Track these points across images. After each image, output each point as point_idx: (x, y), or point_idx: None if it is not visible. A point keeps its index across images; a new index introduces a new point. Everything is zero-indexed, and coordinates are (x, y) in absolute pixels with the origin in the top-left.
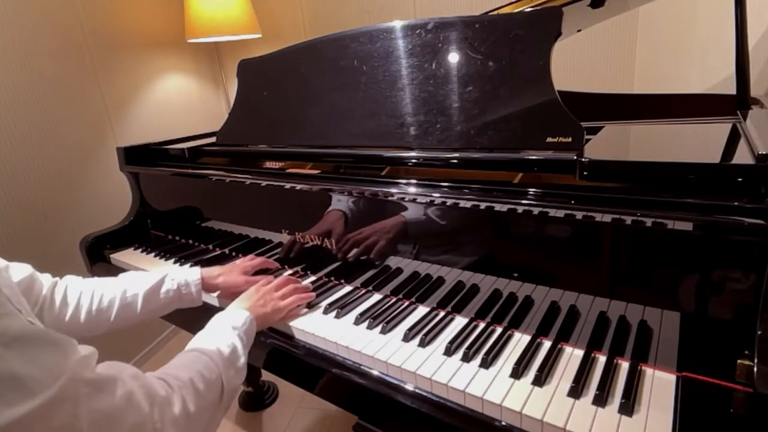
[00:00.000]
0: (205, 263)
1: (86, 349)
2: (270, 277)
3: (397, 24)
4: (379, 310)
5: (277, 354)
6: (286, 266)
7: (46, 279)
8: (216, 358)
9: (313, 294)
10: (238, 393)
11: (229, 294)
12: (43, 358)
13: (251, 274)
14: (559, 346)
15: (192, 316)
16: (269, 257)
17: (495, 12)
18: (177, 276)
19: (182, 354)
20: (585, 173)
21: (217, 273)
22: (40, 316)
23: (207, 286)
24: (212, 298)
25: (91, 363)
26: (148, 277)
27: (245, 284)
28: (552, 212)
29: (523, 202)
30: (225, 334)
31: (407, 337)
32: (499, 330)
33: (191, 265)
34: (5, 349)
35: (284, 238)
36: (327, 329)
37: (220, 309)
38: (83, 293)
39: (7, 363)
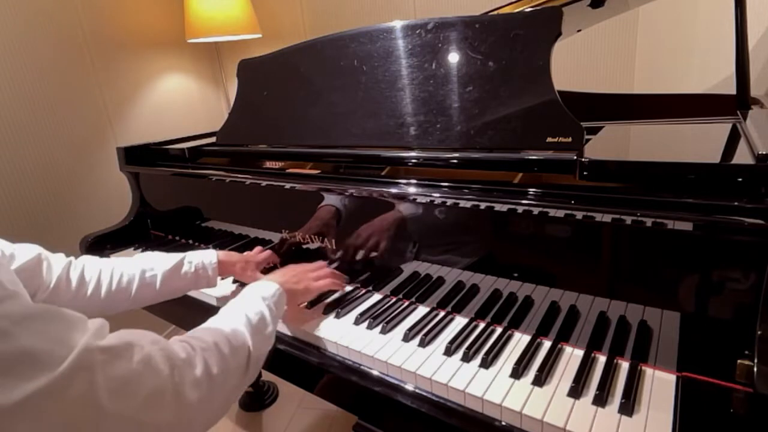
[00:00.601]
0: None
1: (97, 322)
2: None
3: (397, 24)
4: (379, 310)
5: (277, 354)
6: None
7: (59, 259)
8: (243, 324)
9: (345, 283)
10: (263, 361)
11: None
12: (54, 333)
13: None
14: (559, 346)
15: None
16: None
17: (495, 12)
18: (195, 258)
19: (211, 319)
20: (585, 173)
21: (237, 259)
22: (55, 295)
23: (224, 270)
24: (213, 300)
25: (104, 332)
26: (167, 258)
27: (255, 279)
28: (552, 212)
29: (523, 202)
30: (254, 303)
31: (407, 337)
32: (499, 330)
33: None
34: (14, 326)
35: (283, 238)
36: (327, 329)
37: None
38: (103, 271)
39: (19, 340)
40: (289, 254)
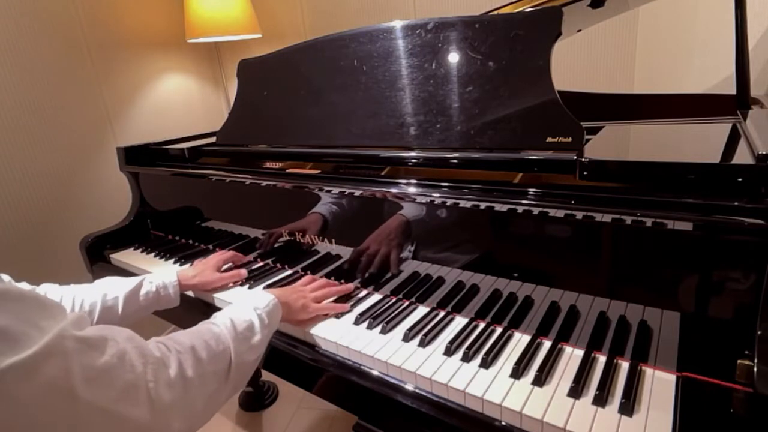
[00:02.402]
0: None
1: (75, 314)
2: (313, 277)
3: (397, 24)
4: (379, 310)
5: (277, 354)
6: (286, 266)
7: (23, 286)
8: (228, 331)
9: (347, 306)
10: (252, 370)
11: (205, 291)
12: (31, 316)
13: (223, 269)
14: (559, 346)
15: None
16: (268, 257)
17: (495, 12)
18: (155, 278)
19: (198, 324)
20: (585, 173)
21: (192, 273)
22: None
23: (183, 287)
24: (221, 302)
25: (81, 324)
26: (127, 280)
27: (218, 281)
28: (552, 212)
29: (523, 202)
30: (244, 311)
31: (407, 337)
32: (499, 330)
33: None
34: None
35: (284, 238)
36: (327, 329)
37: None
38: (63, 298)
39: None
40: (290, 255)
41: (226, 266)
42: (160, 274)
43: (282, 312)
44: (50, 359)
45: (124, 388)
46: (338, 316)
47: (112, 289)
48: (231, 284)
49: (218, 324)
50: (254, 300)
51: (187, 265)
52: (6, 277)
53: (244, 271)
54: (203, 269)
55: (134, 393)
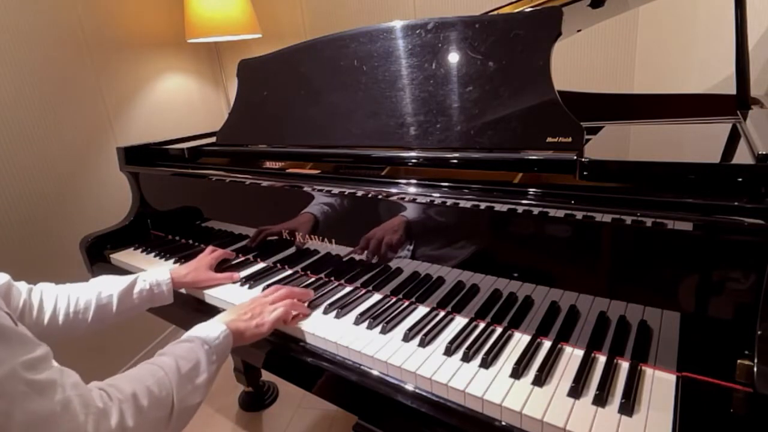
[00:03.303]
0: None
1: (40, 350)
2: (278, 287)
3: (397, 24)
4: (379, 310)
5: (276, 354)
6: (286, 266)
7: (22, 286)
8: (171, 374)
9: (307, 310)
10: (194, 411)
11: (198, 288)
12: None
13: (215, 267)
14: (559, 346)
15: (189, 315)
16: (269, 257)
17: (495, 12)
18: (148, 277)
19: (140, 365)
20: (585, 173)
21: (185, 272)
22: (21, 321)
23: (177, 284)
24: (211, 298)
25: (39, 365)
26: (121, 279)
27: (211, 280)
28: (552, 212)
29: (523, 202)
30: (191, 349)
31: (407, 337)
32: (499, 330)
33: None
34: None
35: (284, 238)
36: (327, 329)
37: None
38: (59, 297)
39: None
40: (289, 255)
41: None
42: (154, 272)
43: (233, 340)
44: None
45: None
46: (338, 315)
47: (106, 287)
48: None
49: (162, 366)
50: (203, 333)
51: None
52: (4, 276)
53: (236, 274)
54: (196, 267)
55: None
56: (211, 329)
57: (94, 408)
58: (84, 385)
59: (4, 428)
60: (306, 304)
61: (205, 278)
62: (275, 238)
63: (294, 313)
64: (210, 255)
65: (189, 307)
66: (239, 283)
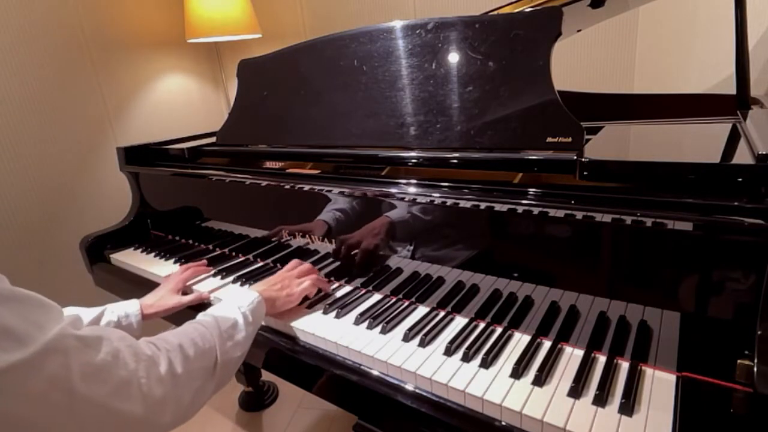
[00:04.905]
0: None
1: (73, 315)
2: (300, 261)
3: (397, 24)
4: (379, 310)
5: (277, 354)
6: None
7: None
8: (212, 330)
9: (328, 286)
10: (237, 366)
11: (169, 313)
12: (32, 316)
13: (182, 288)
14: (559, 346)
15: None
16: (269, 256)
17: (495, 12)
18: (117, 309)
19: (184, 324)
20: (585, 173)
21: (151, 302)
22: None
23: (145, 316)
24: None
25: (77, 324)
26: (89, 310)
27: (178, 305)
28: (552, 212)
29: (523, 202)
30: (228, 310)
31: (407, 337)
32: (499, 330)
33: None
34: None
35: (284, 238)
36: (327, 329)
37: None
38: None
39: (0, 317)
40: (289, 254)
41: (193, 280)
42: (124, 304)
43: (266, 307)
44: (52, 356)
45: (118, 384)
46: (338, 315)
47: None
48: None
49: (203, 323)
50: (238, 298)
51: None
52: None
53: (206, 294)
54: (163, 294)
55: (127, 388)
56: (243, 296)
57: (144, 356)
58: (131, 338)
59: (66, 379)
60: (325, 284)
61: (173, 305)
62: (275, 238)
63: (318, 287)
64: (180, 276)
65: (194, 308)
66: (239, 283)
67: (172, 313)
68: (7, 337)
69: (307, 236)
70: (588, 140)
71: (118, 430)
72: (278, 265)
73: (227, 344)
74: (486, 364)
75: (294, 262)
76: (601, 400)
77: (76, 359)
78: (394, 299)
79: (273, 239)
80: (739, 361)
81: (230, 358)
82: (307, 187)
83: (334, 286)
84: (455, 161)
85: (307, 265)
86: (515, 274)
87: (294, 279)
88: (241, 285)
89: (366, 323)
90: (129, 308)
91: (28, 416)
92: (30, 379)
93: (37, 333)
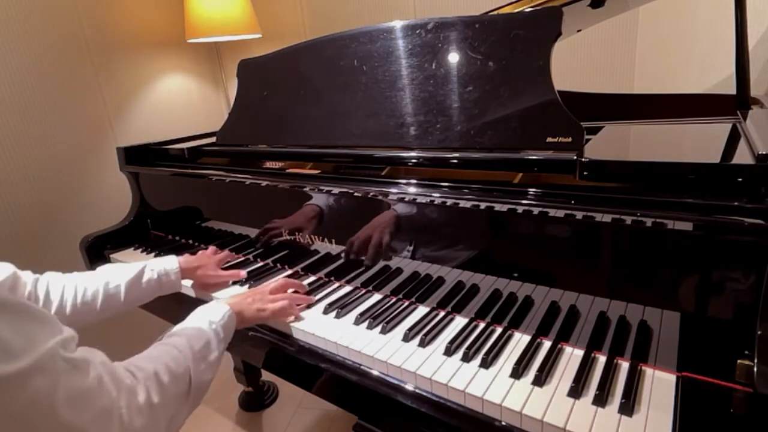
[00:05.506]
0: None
1: (67, 332)
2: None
3: (397, 24)
4: (379, 310)
5: (277, 354)
6: (286, 266)
7: (27, 276)
8: (186, 352)
9: (310, 298)
10: (208, 388)
11: (203, 285)
12: (27, 329)
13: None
14: (559, 346)
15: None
16: (268, 256)
17: (495, 12)
18: (156, 266)
19: (154, 345)
20: (585, 173)
21: (196, 264)
22: None
23: (185, 272)
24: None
25: (70, 345)
26: (128, 268)
27: (217, 276)
28: (552, 212)
29: (523, 202)
30: (200, 328)
31: (407, 337)
32: (499, 330)
33: None
34: None
35: (284, 237)
36: (327, 329)
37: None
38: (66, 287)
39: None
40: (289, 255)
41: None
42: (162, 260)
43: (236, 321)
44: (39, 375)
45: (100, 412)
46: (338, 315)
47: (114, 277)
48: (230, 283)
49: (176, 345)
50: (209, 312)
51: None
52: (10, 267)
53: (243, 272)
54: (207, 262)
55: (108, 417)
56: (215, 310)
57: (124, 385)
58: (111, 363)
59: (49, 400)
60: (305, 298)
61: (214, 274)
62: (275, 237)
63: (298, 305)
64: (216, 255)
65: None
66: (239, 283)
67: (207, 281)
68: None
69: (307, 236)
70: (588, 140)
71: None
72: (278, 264)
73: (200, 366)
74: (486, 364)
75: (223, 253)
76: (601, 400)
77: (63, 382)
78: (394, 299)
79: (271, 239)
80: (739, 361)
81: (203, 380)
82: (307, 187)
83: (335, 285)
84: (455, 161)
85: (281, 280)
86: (515, 274)
87: (266, 294)
88: (241, 285)
89: (366, 323)
90: (168, 265)
91: None
92: (15, 394)
93: (28, 347)
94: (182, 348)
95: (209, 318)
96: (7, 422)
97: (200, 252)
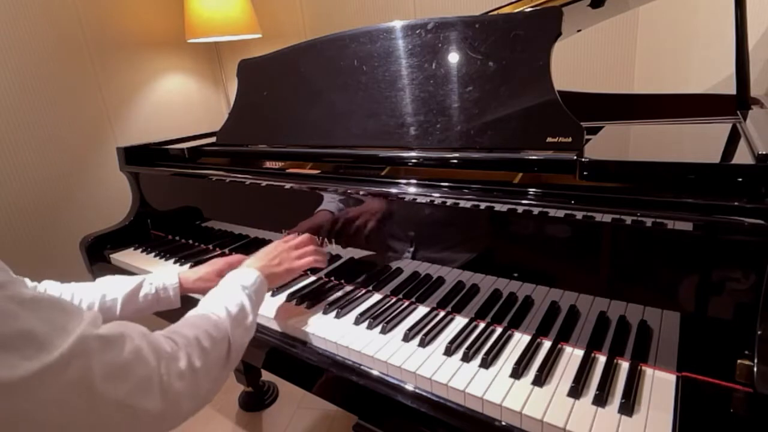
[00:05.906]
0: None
1: (92, 313)
2: (293, 236)
3: (397, 24)
4: (379, 310)
5: (277, 354)
6: None
7: (25, 282)
8: (224, 318)
9: (326, 258)
10: (244, 350)
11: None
12: (54, 319)
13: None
14: (559, 346)
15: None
16: None
17: (495, 12)
18: (155, 280)
19: (191, 314)
20: (585, 173)
21: (195, 277)
22: None
23: (184, 289)
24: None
25: (97, 322)
26: (127, 281)
27: None
28: (552, 212)
29: (523, 202)
30: (234, 294)
31: (407, 337)
32: (499, 330)
33: (191, 266)
34: (21, 308)
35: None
36: (327, 329)
37: None
38: (62, 296)
39: (24, 321)
40: None
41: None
42: (161, 275)
43: (267, 284)
44: (74, 360)
45: (138, 382)
46: (338, 315)
47: (111, 289)
48: None
49: (214, 310)
50: (240, 278)
51: (186, 266)
52: (6, 267)
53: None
54: (207, 271)
55: (148, 385)
56: (246, 276)
57: (165, 353)
58: (152, 333)
59: (86, 381)
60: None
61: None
62: (274, 237)
63: (319, 261)
64: (224, 260)
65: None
66: None
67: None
68: (30, 343)
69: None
70: (588, 140)
71: (137, 425)
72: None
73: (238, 330)
74: (486, 364)
75: (232, 258)
76: (601, 400)
77: (98, 360)
78: (394, 299)
79: (267, 237)
80: (739, 361)
81: (241, 343)
82: (307, 187)
83: (335, 286)
84: (455, 161)
85: (305, 235)
86: (515, 274)
87: (292, 251)
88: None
89: (366, 323)
90: (167, 280)
91: (45, 419)
92: (53, 384)
93: (60, 337)
94: (220, 314)
95: (242, 283)
96: (47, 409)
97: (204, 265)
